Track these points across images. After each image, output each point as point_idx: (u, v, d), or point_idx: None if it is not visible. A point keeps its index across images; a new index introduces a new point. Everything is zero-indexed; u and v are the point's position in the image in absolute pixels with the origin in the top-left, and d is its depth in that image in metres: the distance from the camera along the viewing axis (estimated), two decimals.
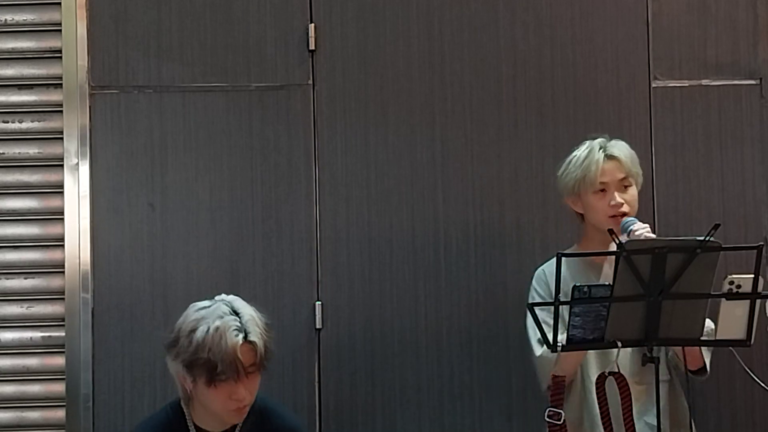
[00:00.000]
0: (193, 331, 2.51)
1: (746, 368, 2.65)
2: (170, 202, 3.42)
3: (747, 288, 2.49)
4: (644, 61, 3.46)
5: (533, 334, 2.82)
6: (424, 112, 3.45)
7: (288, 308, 3.38)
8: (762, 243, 2.54)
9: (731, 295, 2.49)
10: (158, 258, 3.40)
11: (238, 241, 3.41)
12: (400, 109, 3.45)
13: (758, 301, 2.51)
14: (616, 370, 2.56)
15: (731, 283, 2.49)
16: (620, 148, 2.94)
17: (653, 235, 2.76)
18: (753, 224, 3.41)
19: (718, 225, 2.43)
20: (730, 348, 2.59)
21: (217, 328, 2.48)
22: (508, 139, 3.44)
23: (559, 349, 2.48)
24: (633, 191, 2.91)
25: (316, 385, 3.38)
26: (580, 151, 2.95)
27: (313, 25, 3.44)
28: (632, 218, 2.82)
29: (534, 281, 2.98)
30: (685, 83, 3.46)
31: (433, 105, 3.45)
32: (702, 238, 2.44)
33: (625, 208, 2.86)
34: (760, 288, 2.49)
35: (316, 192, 3.43)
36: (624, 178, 2.90)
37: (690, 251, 2.44)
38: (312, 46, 3.44)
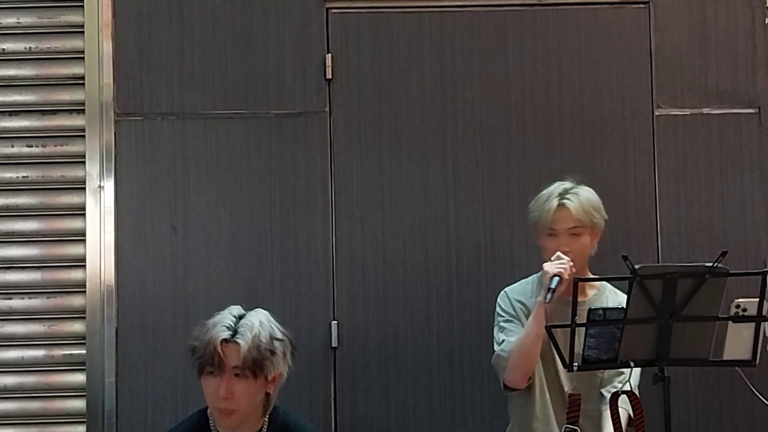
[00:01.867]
0: (202, 326, 2.61)
1: (751, 386, 2.77)
2: (192, 224, 3.51)
3: (752, 311, 2.61)
4: (647, 90, 3.58)
5: (494, 343, 3.04)
6: (436, 138, 3.56)
7: (305, 327, 3.47)
8: (767, 269, 2.65)
9: (738, 318, 2.61)
10: (180, 278, 3.49)
11: (256, 262, 3.51)
12: (413, 135, 3.56)
13: (763, 323, 2.63)
14: (629, 389, 2.67)
15: (738, 306, 2.61)
16: (576, 198, 3.02)
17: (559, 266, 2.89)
18: (753, 248, 3.53)
19: (726, 252, 2.55)
20: (736, 368, 2.70)
21: (213, 323, 2.58)
22: (517, 163, 3.56)
23: (575, 369, 2.59)
24: (583, 240, 3.01)
25: (332, 402, 3.48)
26: (545, 193, 3.08)
27: (330, 55, 3.56)
28: (555, 279, 2.89)
29: (498, 299, 3.14)
30: (687, 111, 3.58)
31: (445, 131, 3.57)
32: (710, 264, 2.56)
33: (570, 255, 2.95)
34: (764, 311, 2.61)
35: (332, 215, 3.53)
36: (574, 227, 3.00)
37: (699, 276, 2.56)
38: (329, 75, 3.55)
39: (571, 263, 2.91)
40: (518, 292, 3.12)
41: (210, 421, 2.67)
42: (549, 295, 2.84)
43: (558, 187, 3.06)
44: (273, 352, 2.57)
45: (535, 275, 3.14)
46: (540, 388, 2.98)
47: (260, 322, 2.59)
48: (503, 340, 3.00)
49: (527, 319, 3.00)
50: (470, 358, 3.49)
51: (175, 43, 3.56)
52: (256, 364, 2.54)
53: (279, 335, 2.62)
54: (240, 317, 2.60)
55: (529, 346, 2.91)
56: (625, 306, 2.61)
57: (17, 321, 3.52)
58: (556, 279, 2.86)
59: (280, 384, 2.65)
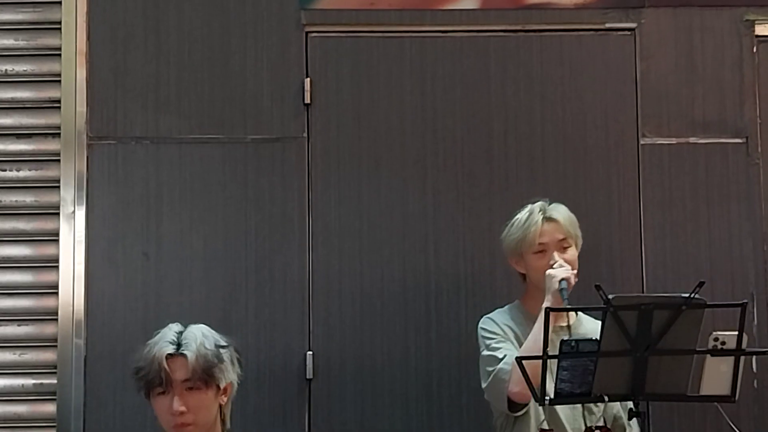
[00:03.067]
0: (142, 349, 2.61)
1: (731, 424, 2.67)
2: (164, 251, 3.45)
3: (731, 344, 2.52)
4: (633, 119, 3.53)
5: (487, 366, 2.90)
6: (416, 166, 3.51)
7: (279, 358, 3.40)
8: (746, 300, 2.57)
9: (716, 352, 2.52)
10: (151, 307, 3.42)
11: (231, 290, 3.44)
12: (392, 163, 3.51)
13: (743, 357, 2.54)
14: (602, 424, 2.59)
15: (716, 339, 2.52)
16: (559, 211, 3.00)
17: (567, 271, 2.83)
18: (740, 280, 3.45)
19: (703, 282, 2.47)
20: (716, 404, 2.61)
21: (154, 342, 2.58)
22: (499, 192, 3.50)
23: (546, 403, 2.50)
24: (572, 252, 2.97)
25: None
26: (522, 214, 3.02)
27: (308, 79, 3.51)
28: (563, 282, 2.83)
29: (481, 324, 3.02)
30: (673, 141, 3.53)
31: (426, 159, 3.51)
32: (687, 295, 2.48)
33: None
34: (744, 344, 2.53)
35: (309, 243, 3.47)
36: (563, 239, 2.96)
37: (676, 308, 2.48)
38: (307, 100, 3.50)
39: (575, 271, 2.86)
40: (500, 318, 3.03)
41: None
42: (566, 298, 2.76)
43: (535, 206, 3.01)
44: (220, 359, 2.58)
45: (509, 305, 3.07)
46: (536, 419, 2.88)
47: (202, 333, 2.60)
48: (504, 355, 2.86)
49: (518, 342, 2.92)
50: (449, 392, 3.41)
51: (150, 67, 3.52)
52: (206, 372, 2.55)
53: (223, 343, 2.63)
54: (181, 332, 2.60)
55: (537, 353, 2.74)
56: (598, 337, 2.52)
57: None
58: (564, 282, 2.80)
59: (231, 396, 2.65)
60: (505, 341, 2.95)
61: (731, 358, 2.53)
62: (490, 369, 2.90)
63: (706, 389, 2.53)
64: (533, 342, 2.78)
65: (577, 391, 2.51)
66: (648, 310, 2.46)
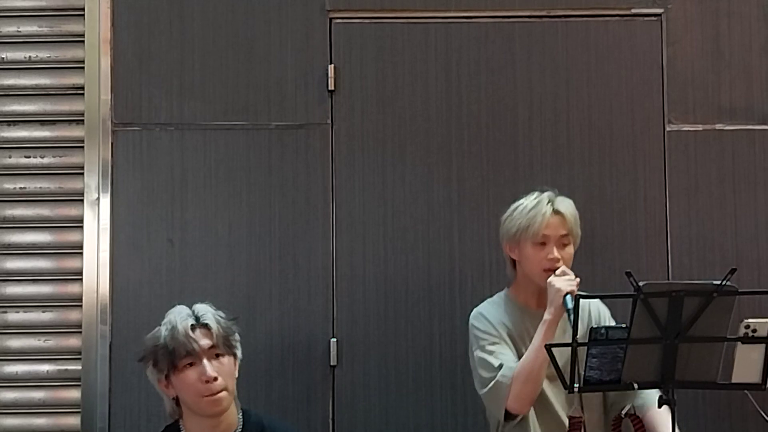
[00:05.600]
0: (151, 335, 2.65)
1: (761, 412, 2.66)
2: (189, 237, 3.46)
3: (762, 332, 2.50)
4: (659, 105, 3.50)
5: (482, 370, 2.85)
6: (441, 152, 3.49)
7: (303, 345, 3.40)
8: None
9: (747, 339, 2.51)
10: (176, 293, 3.42)
11: (255, 277, 3.44)
12: (417, 149, 3.49)
13: None
14: (633, 412, 2.58)
15: (747, 327, 2.51)
16: (567, 206, 2.93)
17: (571, 283, 2.76)
18: (766, 267, 3.43)
19: (735, 270, 2.45)
20: (745, 391, 2.60)
21: (170, 321, 2.62)
22: (524, 179, 3.47)
23: (576, 391, 2.49)
24: (570, 249, 2.90)
25: (330, 422, 3.40)
26: (528, 200, 2.93)
27: (332, 66, 3.50)
28: (569, 300, 2.74)
29: (473, 320, 2.96)
30: (699, 127, 3.50)
31: (450, 145, 3.50)
32: (718, 282, 2.46)
33: (559, 264, 2.84)
34: None
35: (333, 229, 3.46)
36: (565, 235, 2.89)
37: (706, 295, 2.46)
38: (331, 87, 3.49)
39: (578, 279, 2.79)
40: (493, 314, 2.94)
41: (180, 429, 2.67)
42: (573, 317, 2.57)
43: (542, 195, 2.93)
44: (234, 330, 2.66)
45: (498, 295, 3.01)
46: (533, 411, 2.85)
47: (212, 308, 2.66)
48: (500, 364, 2.81)
49: (510, 340, 2.87)
50: (472, 378, 3.38)
51: (175, 53, 3.51)
52: (227, 339, 2.61)
53: (229, 317, 2.70)
54: (191, 308, 2.65)
55: (538, 369, 2.75)
56: (628, 324, 2.50)
57: (14, 335, 3.47)
58: (569, 297, 2.70)
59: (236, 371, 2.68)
60: (499, 342, 2.87)
61: (762, 346, 2.51)
62: (486, 376, 2.84)
63: (737, 377, 2.52)
64: (533, 357, 2.74)
65: (606, 378, 2.50)
66: (679, 297, 2.44)
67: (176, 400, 2.65)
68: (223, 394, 2.57)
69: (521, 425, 2.87)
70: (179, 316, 2.61)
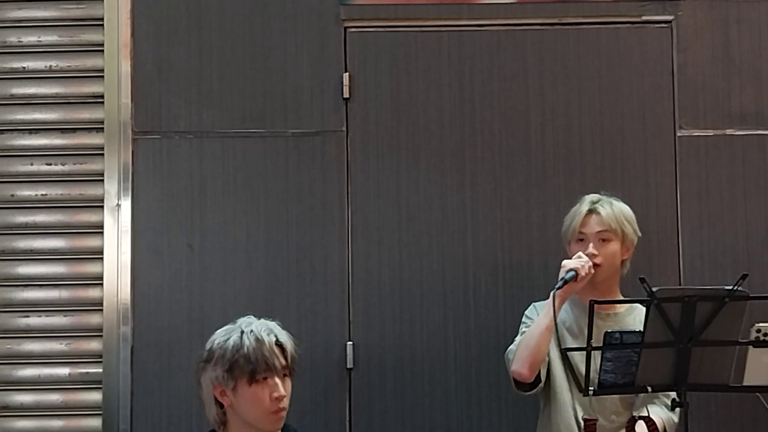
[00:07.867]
0: (227, 339, 2.62)
1: None
2: (208, 243, 3.51)
3: None
4: (670, 111, 3.54)
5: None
6: (454, 159, 3.54)
7: (320, 348, 3.45)
8: None
9: (758, 343, 2.56)
10: (196, 297, 3.48)
11: (273, 281, 3.50)
12: (431, 156, 3.54)
13: None
14: (646, 414, 2.63)
15: (758, 331, 2.56)
16: (607, 205, 3.08)
17: (579, 262, 2.93)
18: None
19: (746, 275, 2.50)
20: (757, 394, 2.65)
21: (251, 330, 2.60)
22: (537, 185, 3.52)
23: (591, 394, 2.54)
24: (612, 247, 3.04)
25: (347, 424, 3.45)
26: (576, 205, 3.14)
27: (347, 74, 3.55)
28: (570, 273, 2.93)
29: (527, 311, 3.14)
30: (710, 132, 3.54)
31: (464, 152, 3.54)
32: (730, 287, 2.51)
33: (597, 260, 3.00)
34: None
35: (349, 235, 3.51)
36: (602, 231, 3.03)
37: (719, 300, 2.51)
38: (346, 95, 3.54)
39: (590, 263, 2.94)
40: (542, 305, 3.09)
41: None
42: (560, 283, 2.89)
43: (588, 197, 3.13)
44: (298, 354, 2.67)
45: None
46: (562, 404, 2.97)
47: (280, 328, 2.66)
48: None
49: (569, 333, 3.03)
50: (488, 381, 3.45)
51: (193, 62, 3.57)
52: (294, 363, 2.63)
53: (294, 340, 2.70)
54: (265, 324, 2.64)
55: (538, 337, 2.92)
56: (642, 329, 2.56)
57: (35, 339, 3.52)
58: (572, 273, 2.90)
59: None
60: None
61: None
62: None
63: (749, 380, 2.57)
64: (535, 326, 2.95)
65: (621, 381, 2.56)
66: (691, 302, 2.50)
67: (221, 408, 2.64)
68: (284, 413, 2.60)
69: (546, 425, 2.96)
70: (262, 330, 2.60)
